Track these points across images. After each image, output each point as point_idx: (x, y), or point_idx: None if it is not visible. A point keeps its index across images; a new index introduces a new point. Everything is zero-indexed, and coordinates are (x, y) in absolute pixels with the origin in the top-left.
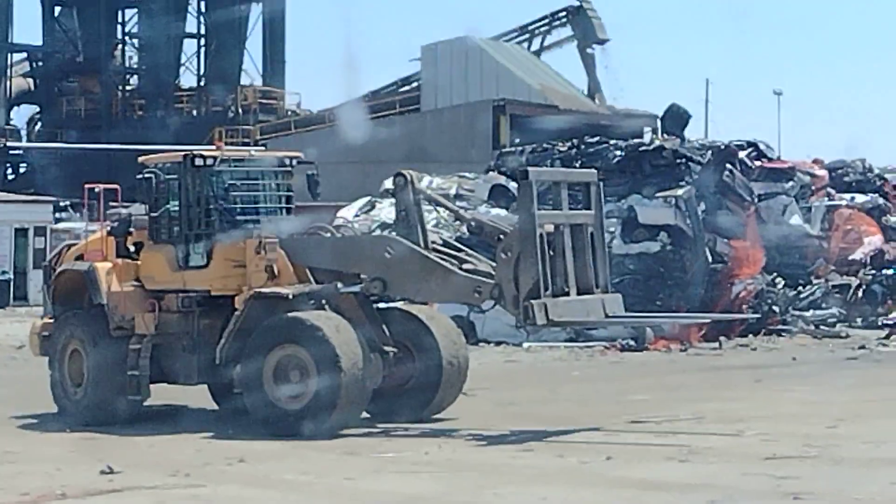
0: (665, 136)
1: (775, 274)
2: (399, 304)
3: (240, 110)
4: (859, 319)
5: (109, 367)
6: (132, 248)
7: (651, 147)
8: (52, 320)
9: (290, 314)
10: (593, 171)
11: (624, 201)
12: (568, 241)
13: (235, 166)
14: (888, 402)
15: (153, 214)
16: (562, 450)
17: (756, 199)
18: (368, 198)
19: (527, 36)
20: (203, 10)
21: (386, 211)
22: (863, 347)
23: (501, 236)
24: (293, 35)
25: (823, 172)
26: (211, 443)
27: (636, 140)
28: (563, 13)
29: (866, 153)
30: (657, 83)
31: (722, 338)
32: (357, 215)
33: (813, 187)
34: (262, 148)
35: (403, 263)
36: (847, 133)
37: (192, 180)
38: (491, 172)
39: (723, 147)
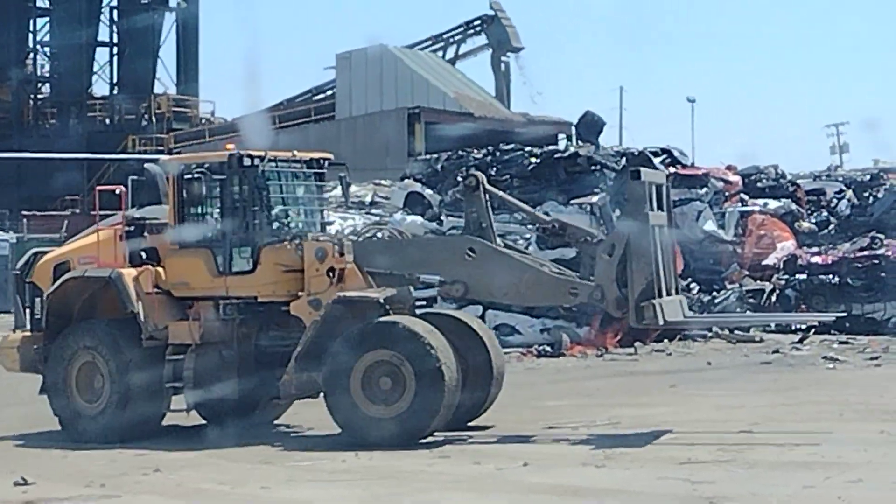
0: (580, 143)
1: (690, 279)
2: (449, 311)
3: (153, 118)
4: (773, 324)
5: (142, 379)
6: (143, 255)
7: (566, 154)
8: (34, 333)
9: (383, 319)
10: (663, 172)
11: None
12: (658, 241)
13: (281, 167)
14: (802, 406)
15: (186, 217)
16: (478, 456)
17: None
18: None
19: (441, 44)
20: (115, 18)
21: None
22: (777, 352)
23: (588, 238)
24: (207, 43)
25: (737, 178)
26: (125, 453)
27: (551, 147)
28: (478, 22)
29: (777, 159)
30: (571, 91)
31: (637, 343)
32: None
33: (726, 193)
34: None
35: (487, 265)
36: (759, 140)
37: (239, 181)
38: (406, 180)
39: (637, 154)
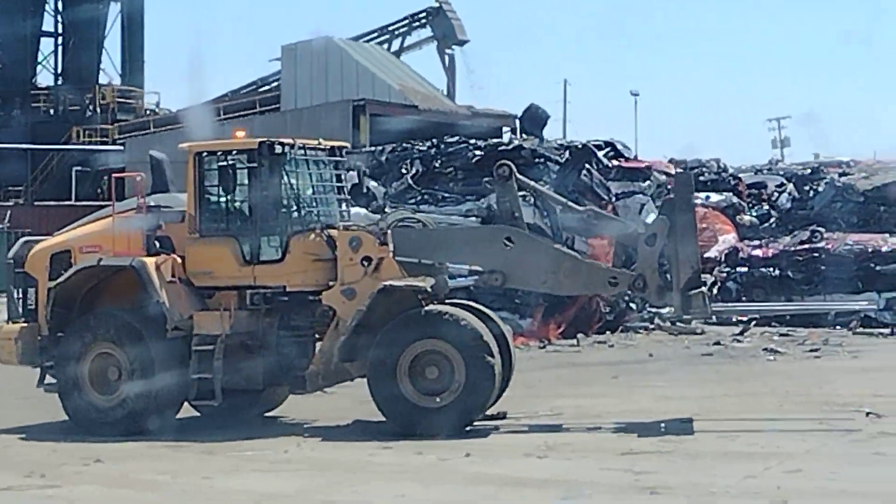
0: (524, 135)
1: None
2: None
3: (98, 109)
4: (715, 316)
5: (166, 371)
6: (158, 244)
7: (510, 147)
8: (31, 324)
9: (431, 308)
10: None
11: (483, 200)
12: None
13: (308, 155)
14: (742, 397)
15: (209, 205)
16: (421, 447)
17: (613, 198)
18: None
19: (387, 36)
20: (60, 8)
21: None
22: (718, 343)
23: (622, 228)
24: (152, 34)
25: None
26: (67, 443)
27: (495, 140)
28: (423, 14)
29: (719, 153)
30: (516, 84)
31: (580, 335)
32: None
33: (669, 186)
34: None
35: (525, 254)
36: (701, 133)
37: (269, 169)
38: (350, 172)
39: (580, 147)
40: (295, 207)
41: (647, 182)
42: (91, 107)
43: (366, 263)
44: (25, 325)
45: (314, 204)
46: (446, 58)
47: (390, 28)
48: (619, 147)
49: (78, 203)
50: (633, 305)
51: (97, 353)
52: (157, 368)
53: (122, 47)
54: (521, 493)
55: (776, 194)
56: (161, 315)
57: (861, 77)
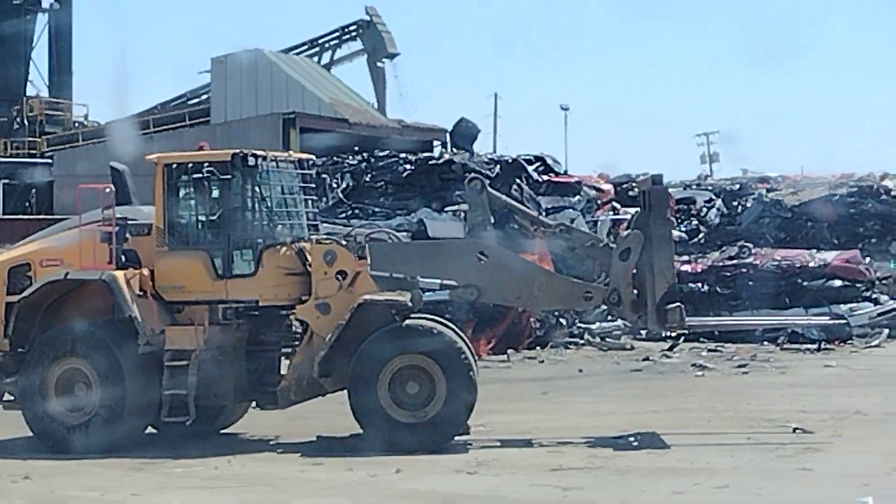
0: (454, 150)
1: None
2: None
3: (25, 122)
4: (644, 332)
5: (138, 387)
6: (124, 257)
7: (440, 161)
8: None
9: (412, 322)
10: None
11: (414, 215)
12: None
13: (280, 168)
14: (671, 413)
15: (179, 218)
16: (351, 463)
17: (544, 213)
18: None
19: (317, 49)
20: None
21: None
22: (647, 359)
23: (593, 242)
24: (80, 46)
25: (609, 187)
26: None
27: (426, 154)
28: (354, 27)
29: (649, 168)
30: (446, 98)
31: (510, 350)
32: None
33: (599, 201)
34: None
35: (500, 269)
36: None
37: (242, 181)
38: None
39: (511, 161)
40: (267, 220)
41: (578, 197)
42: (18, 119)
43: (340, 277)
44: None
45: (286, 217)
46: (377, 71)
47: (320, 41)
48: (550, 162)
49: (5, 217)
50: (562, 321)
51: (64, 368)
52: (127, 384)
53: (49, 59)
54: None
55: (705, 210)
56: (132, 330)
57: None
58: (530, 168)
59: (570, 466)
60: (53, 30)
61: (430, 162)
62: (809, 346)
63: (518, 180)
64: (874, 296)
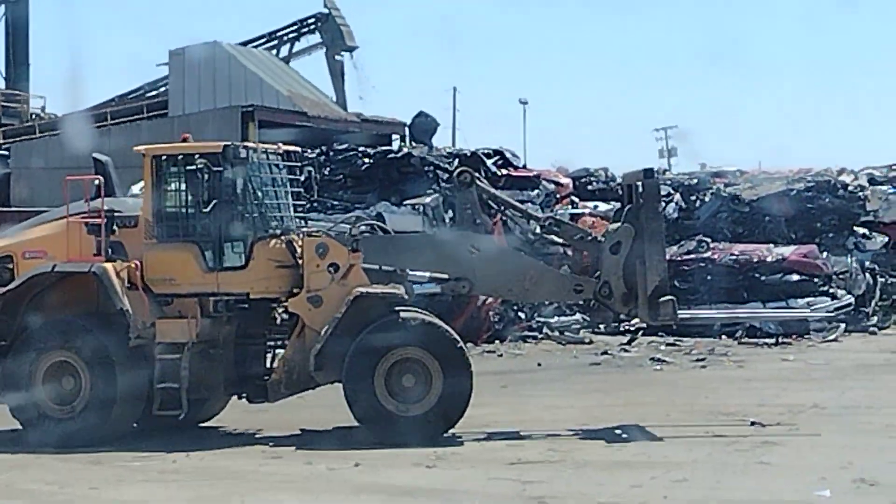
0: (413, 143)
1: None
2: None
3: None
4: (602, 326)
5: (129, 380)
6: (110, 250)
7: (399, 155)
8: None
9: (407, 316)
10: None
11: (372, 208)
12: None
13: (270, 160)
14: (629, 407)
15: (169, 210)
16: (310, 456)
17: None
18: None
19: (275, 42)
20: None
21: None
22: (605, 353)
23: (582, 235)
24: (37, 38)
25: (567, 181)
26: None
27: (384, 147)
28: (312, 20)
29: (608, 162)
30: (405, 91)
31: (469, 344)
32: None
33: (557, 195)
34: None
35: (492, 261)
36: (590, 142)
37: (233, 173)
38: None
39: (469, 155)
40: (258, 213)
41: (536, 191)
42: None
43: (332, 270)
44: None
45: (277, 210)
46: (335, 64)
47: (279, 34)
48: (508, 155)
49: None
50: (521, 315)
51: (52, 360)
52: (118, 378)
53: (6, 51)
54: (410, 503)
55: (663, 204)
56: (122, 322)
57: (745, 88)
58: (489, 162)
59: (529, 460)
60: (10, 22)
61: (389, 155)
62: (767, 340)
63: (477, 174)
64: (831, 290)
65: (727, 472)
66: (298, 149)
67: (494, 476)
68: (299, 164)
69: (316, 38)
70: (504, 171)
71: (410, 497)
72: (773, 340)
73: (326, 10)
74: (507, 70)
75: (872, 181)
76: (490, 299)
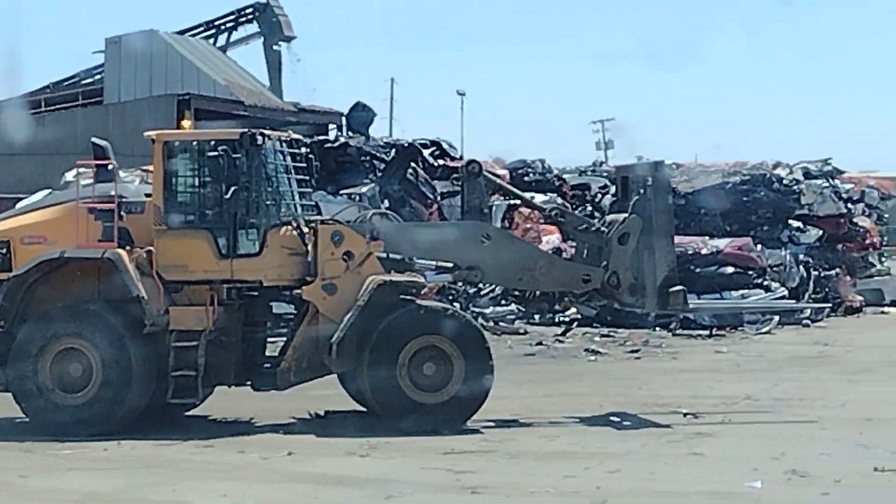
0: (350, 133)
1: None
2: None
3: None
4: (537, 316)
5: (143, 368)
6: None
7: (336, 144)
8: None
9: (429, 304)
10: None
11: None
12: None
13: (281, 146)
14: (563, 398)
15: (181, 196)
16: (243, 445)
17: (439, 197)
18: (48, 190)
19: (212, 31)
20: None
21: None
22: (540, 344)
23: (587, 225)
24: None
25: (504, 172)
26: None
27: (321, 137)
28: (250, 9)
29: (544, 154)
30: (343, 81)
31: None
32: None
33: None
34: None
35: (503, 250)
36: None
37: (248, 160)
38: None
39: (407, 145)
40: (272, 200)
41: None
42: None
43: (347, 258)
44: None
45: (290, 197)
46: (273, 54)
47: (216, 23)
48: (445, 146)
49: None
50: (456, 305)
51: (61, 348)
52: (133, 365)
53: None
54: (342, 492)
55: (599, 196)
56: (136, 309)
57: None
58: (426, 152)
59: (463, 450)
60: None
61: (326, 145)
62: (701, 332)
63: (414, 164)
64: (766, 283)
65: (660, 462)
66: (303, 137)
67: (427, 466)
68: (303, 151)
69: (254, 27)
70: (441, 162)
71: (342, 486)
72: (707, 332)
73: (264, 0)
74: (444, 61)
75: (807, 175)
76: (425, 289)
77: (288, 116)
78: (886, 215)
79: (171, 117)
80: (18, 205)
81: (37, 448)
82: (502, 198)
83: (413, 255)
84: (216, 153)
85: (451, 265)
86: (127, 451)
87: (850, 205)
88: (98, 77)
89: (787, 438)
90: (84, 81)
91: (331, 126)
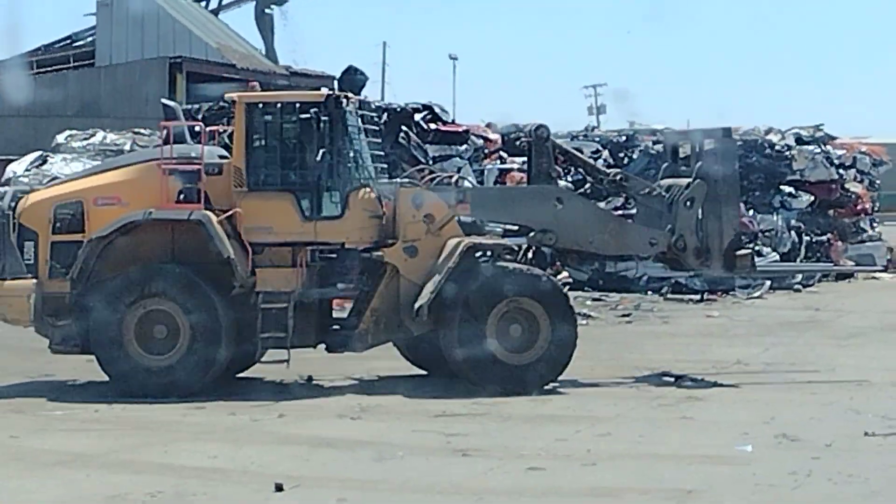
0: None
1: None
2: None
3: None
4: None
5: (233, 331)
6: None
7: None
8: (47, 280)
9: (515, 267)
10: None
11: None
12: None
13: (362, 111)
14: None
15: (263, 158)
16: (234, 407)
17: (431, 162)
18: (39, 153)
19: None
20: None
21: (58, 166)
22: None
23: (647, 190)
24: None
25: (496, 136)
26: None
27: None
28: None
29: (537, 119)
30: (335, 45)
31: None
32: (28, 170)
33: (486, 150)
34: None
35: (575, 214)
36: (519, 98)
37: (333, 123)
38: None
39: (399, 110)
40: (353, 163)
41: (465, 146)
42: None
43: (427, 221)
44: (33, 280)
45: (370, 160)
46: (265, 18)
47: None
48: (437, 110)
49: None
50: None
51: (147, 310)
52: (222, 328)
53: None
54: (332, 453)
55: (592, 160)
56: (225, 271)
57: (674, 47)
58: (418, 116)
59: (454, 413)
60: None
61: None
62: (692, 296)
63: (406, 128)
64: (757, 248)
65: (651, 426)
66: (374, 101)
67: (419, 428)
68: (377, 114)
69: None
70: (433, 126)
71: (333, 448)
72: (698, 297)
73: None
74: (437, 25)
75: (799, 141)
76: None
77: (280, 80)
78: (878, 181)
79: (163, 80)
80: (9, 167)
81: (28, 408)
82: (498, 162)
83: (494, 219)
84: (304, 116)
85: (523, 228)
86: (118, 413)
87: (841, 171)
88: (90, 39)
89: (777, 403)
90: (76, 44)
91: (323, 90)
